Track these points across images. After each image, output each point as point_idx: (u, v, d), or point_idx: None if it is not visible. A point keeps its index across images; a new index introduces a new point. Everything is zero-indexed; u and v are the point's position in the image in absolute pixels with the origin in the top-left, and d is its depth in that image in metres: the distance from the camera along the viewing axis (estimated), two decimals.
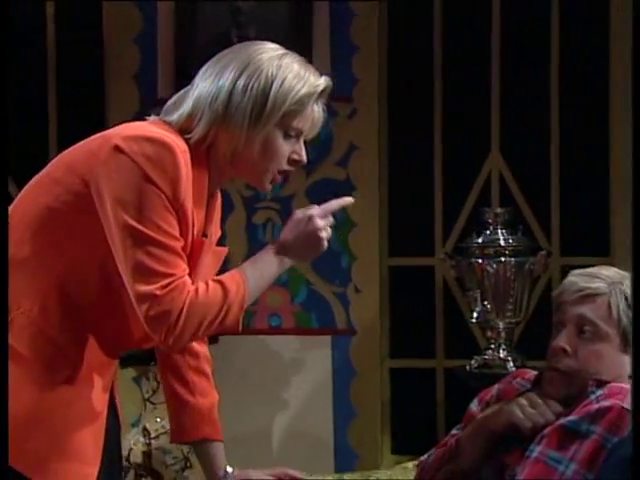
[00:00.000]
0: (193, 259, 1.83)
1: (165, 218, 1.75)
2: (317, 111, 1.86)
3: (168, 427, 2.19)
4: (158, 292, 1.74)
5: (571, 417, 1.91)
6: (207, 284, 1.79)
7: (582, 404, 1.93)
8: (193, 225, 1.82)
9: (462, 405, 3.61)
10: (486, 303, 3.14)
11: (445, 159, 3.70)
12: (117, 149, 1.76)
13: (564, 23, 3.66)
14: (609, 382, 1.94)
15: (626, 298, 1.96)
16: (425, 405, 3.72)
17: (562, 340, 1.99)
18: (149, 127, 1.81)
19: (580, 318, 1.98)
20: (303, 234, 1.85)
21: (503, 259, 3.12)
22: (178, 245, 1.77)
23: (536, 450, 1.92)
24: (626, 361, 1.97)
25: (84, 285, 1.81)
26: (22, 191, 1.88)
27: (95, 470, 1.82)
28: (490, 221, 3.18)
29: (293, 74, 1.82)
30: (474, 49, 3.72)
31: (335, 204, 1.90)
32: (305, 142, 1.86)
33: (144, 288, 1.75)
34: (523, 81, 3.69)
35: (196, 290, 1.78)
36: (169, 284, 1.75)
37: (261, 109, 1.80)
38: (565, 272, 3.45)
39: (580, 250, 3.58)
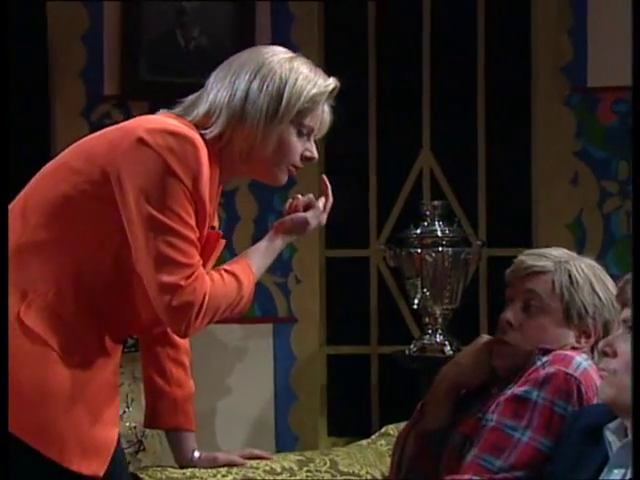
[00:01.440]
0: (207, 251, 1.89)
1: (186, 210, 1.81)
2: (326, 111, 1.97)
3: (121, 411, 2.28)
4: (183, 282, 1.79)
5: (522, 387, 2.03)
6: (221, 275, 1.87)
7: (529, 372, 2.05)
8: (208, 218, 1.88)
9: (395, 389, 3.84)
10: (425, 291, 3.32)
11: (379, 156, 3.90)
12: (141, 141, 1.81)
13: (489, 27, 3.86)
14: (553, 350, 2.06)
15: (569, 276, 2.09)
16: (360, 389, 3.91)
17: (508, 314, 2.12)
18: (171, 121, 1.87)
19: (527, 293, 2.11)
20: (302, 229, 2.02)
21: (441, 249, 3.31)
22: (195, 235, 1.83)
23: (492, 419, 2.04)
24: (568, 334, 2.10)
25: (97, 271, 1.86)
26: (36, 177, 1.92)
27: (113, 444, 1.90)
28: (428, 213, 3.37)
29: (304, 75, 1.92)
30: (407, 51, 3.91)
31: (330, 196, 2.04)
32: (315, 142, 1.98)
33: (167, 279, 1.79)
34: (452, 84, 3.89)
35: (212, 280, 1.85)
36: (191, 275, 1.80)
37: (277, 107, 1.89)
38: (491, 262, 3.72)
39: (504, 241, 3.81)
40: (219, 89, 1.92)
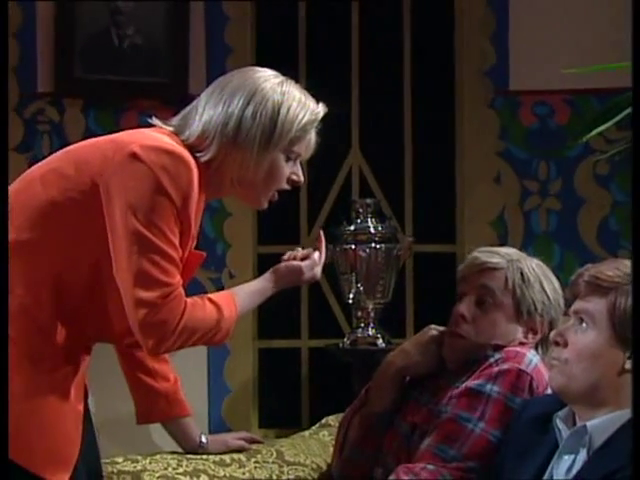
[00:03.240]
0: (187, 271, 1.90)
1: (172, 229, 1.81)
2: (314, 136, 2.01)
3: None
4: (159, 301, 1.79)
5: (476, 380, 2.11)
6: (204, 302, 1.88)
7: (483, 367, 2.13)
8: (192, 239, 1.89)
9: (326, 381, 3.94)
10: (358, 285, 3.42)
11: (310, 155, 3.98)
12: (135, 156, 1.81)
13: (415, 31, 3.96)
14: (505, 347, 2.16)
15: (521, 273, 2.19)
16: (290, 382, 4.00)
17: (462, 308, 2.20)
18: (166, 139, 1.88)
19: (480, 288, 2.19)
20: (298, 281, 2.06)
21: (374, 245, 3.41)
22: (178, 255, 1.84)
23: (447, 410, 2.11)
24: (517, 329, 2.19)
25: (74, 279, 1.85)
26: (22, 179, 1.93)
27: (77, 451, 1.89)
28: (360, 211, 3.47)
29: (296, 102, 1.95)
30: (336, 52, 3.99)
31: (324, 250, 2.10)
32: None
33: (145, 294, 1.78)
34: (379, 86, 3.97)
35: (193, 304, 1.85)
36: (169, 294, 1.80)
37: (270, 135, 1.91)
38: (417, 258, 3.84)
39: (430, 238, 3.93)
40: (212, 113, 1.92)
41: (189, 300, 1.86)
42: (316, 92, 4.09)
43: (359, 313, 3.47)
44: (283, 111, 1.93)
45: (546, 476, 1.86)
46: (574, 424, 1.90)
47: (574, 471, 1.83)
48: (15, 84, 3.72)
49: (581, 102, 3.78)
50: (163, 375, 2.24)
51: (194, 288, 3.77)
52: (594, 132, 2.57)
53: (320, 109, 2.01)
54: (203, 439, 2.33)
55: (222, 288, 3.82)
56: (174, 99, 3.42)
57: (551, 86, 3.76)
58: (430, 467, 2.06)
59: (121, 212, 1.81)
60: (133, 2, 3.75)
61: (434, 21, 3.98)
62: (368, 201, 3.48)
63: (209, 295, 1.93)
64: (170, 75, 3.73)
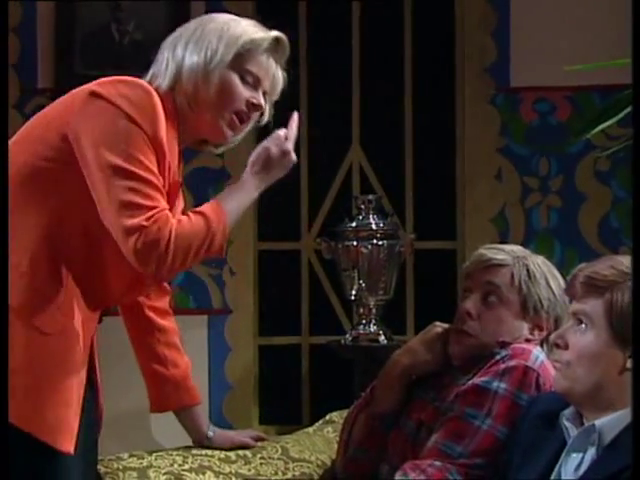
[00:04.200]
0: (170, 201, 1.88)
1: (147, 155, 1.79)
2: (273, 65, 1.98)
3: None
4: (145, 223, 1.77)
5: (483, 377, 2.10)
6: (189, 215, 1.85)
7: (489, 364, 2.12)
8: (170, 168, 1.87)
9: (326, 378, 3.94)
10: (360, 282, 3.41)
11: (311, 151, 3.98)
12: (94, 94, 1.82)
13: (416, 27, 3.96)
14: (511, 344, 2.15)
15: (527, 270, 2.18)
16: (291, 379, 4.00)
17: (468, 304, 2.18)
18: (121, 77, 1.88)
19: (486, 284, 2.18)
20: (278, 166, 1.96)
21: (376, 242, 3.41)
22: (159, 181, 1.82)
23: (453, 408, 2.11)
24: (523, 326, 2.19)
25: (68, 239, 1.84)
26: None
27: (78, 417, 1.88)
28: (362, 207, 3.47)
29: (246, 23, 1.99)
30: (336, 48, 3.98)
31: (295, 126, 2.03)
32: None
33: (130, 221, 1.77)
34: (380, 82, 3.98)
35: (179, 221, 1.82)
36: (154, 215, 1.78)
37: (215, 48, 1.91)
38: (417, 255, 3.84)
39: (430, 234, 3.93)
40: (164, 51, 1.96)
41: (175, 219, 1.84)
42: (317, 88, 4.12)
43: (361, 310, 3.47)
44: (231, 27, 1.96)
45: (554, 474, 1.86)
46: (581, 423, 1.89)
47: (583, 469, 1.83)
48: (15, 80, 3.72)
49: (582, 99, 3.78)
50: (173, 362, 2.24)
51: (195, 286, 3.84)
52: (597, 129, 2.56)
53: (274, 32, 2.00)
54: (210, 432, 2.33)
55: (223, 285, 3.85)
56: None
57: (552, 83, 3.77)
58: (437, 464, 2.06)
59: (92, 150, 1.79)
60: None
61: (435, 18, 3.99)
62: (370, 197, 3.48)
63: (195, 209, 1.90)
64: None
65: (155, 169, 1.82)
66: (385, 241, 3.41)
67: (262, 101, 1.96)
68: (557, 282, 2.22)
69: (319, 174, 3.97)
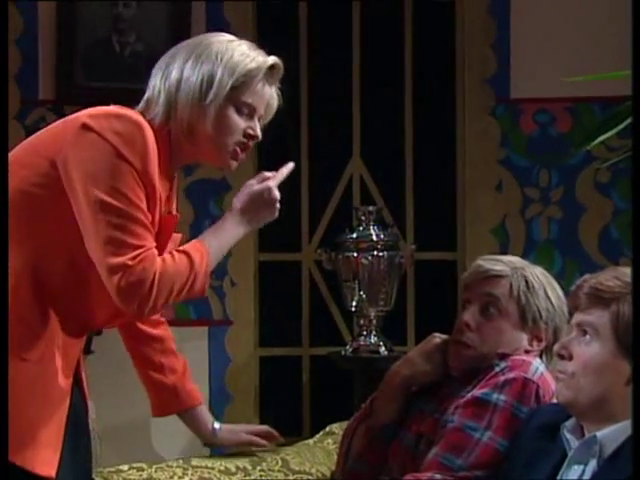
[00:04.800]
0: (164, 236, 1.87)
1: (135, 192, 1.77)
2: (268, 92, 1.93)
3: None
4: (130, 262, 1.76)
5: (482, 389, 2.09)
6: (172, 254, 1.84)
7: (488, 376, 2.11)
8: (160, 201, 1.85)
9: (327, 389, 3.94)
10: (361, 293, 3.42)
11: (311, 163, 3.99)
12: (85, 127, 1.78)
13: (416, 39, 3.98)
14: (511, 355, 2.14)
15: (526, 281, 2.17)
16: (292, 390, 4.00)
17: (467, 316, 2.17)
18: (114, 107, 1.86)
19: (485, 296, 2.16)
20: (262, 204, 1.93)
21: (376, 253, 3.41)
22: (147, 219, 1.80)
23: (453, 420, 2.09)
24: (523, 337, 2.17)
25: (53, 266, 1.83)
26: None
27: (59, 441, 1.87)
28: (363, 219, 3.47)
29: (240, 51, 1.89)
30: (337, 60, 3.99)
31: (285, 172, 2.00)
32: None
33: (115, 260, 1.76)
34: (381, 94, 3.99)
35: (163, 260, 1.81)
36: (139, 254, 1.78)
37: (210, 81, 1.86)
38: (418, 266, 3.85)
39: (431, 245, 3.94)
40: (157, 75, 1.92)
41: (159, 257, 1.83)
42: (317, 100, 4.13)
43: (361, 321, 3.47)
44: (225, 58, 1.89)
45: None
46: (582, 434, 1.89)
47: None
48: (16, 91, 3.73)
49: (582, 110, 3.79)
50: (171, 368, 2.25)
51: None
52: (597, 140, 2.57)
53: (270, 59, 1.94)
54: (216, 426, 2.33)
55: (224, 296, 3.85)
56: None
57: (552, 94, 3.77)
58: (437, 477, 2.04)
59: (81, 184, 1.78)
60: (134, 10, 3.75)
61: (435, 29, 3.99)
62: (370, 208, 3.49)
63: (176, 248, 1.89)
64: None
65: (144, 206, 1.81)
66: (386, 252, 3.41)
67: (258, 131, 1.95)
68: (556, 293, 2.22)
69: (320, 185, 3.97)
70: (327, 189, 3.98)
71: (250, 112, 1.92)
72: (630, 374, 1.82)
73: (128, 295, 1.80)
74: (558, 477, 1.85)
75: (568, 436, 1.89)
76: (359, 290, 3.40)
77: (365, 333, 3.46)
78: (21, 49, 3.74)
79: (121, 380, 3.63)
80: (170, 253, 1.86)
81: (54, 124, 1.90)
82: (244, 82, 1.90)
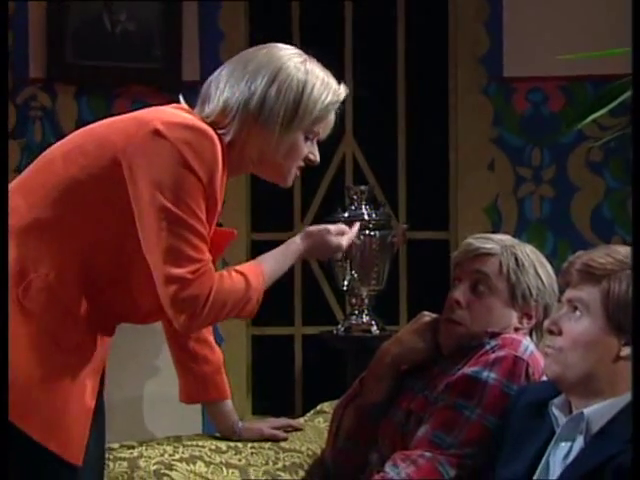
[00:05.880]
0: (217, 248, 1.91)
1: (199, 205, 1.80)
2: (332, 118, 2.01)
3: None
4: (190, 276, 1.78)
5: (472, 367, 2.09)
6: (230, 274, 1.87)
7: (479, 354, 2.11)
8: (218, 215, 1.90)
9: (319, 368, 3.94)
10: (353, 272, 3.41)
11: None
12: (158, 133, 1.80)
13: (409, 18, 3.97)
14: (501, 334, 2.15)
15: (516, 259, 2.17)
16: (283, 369, 4.01)
17: (457, 294, 2.18)
18: (187, 115, 1.87)
19: (475, 273, 2.17)
20: (326, 251, 2.04)
21: (368, 232, 3.40)
22: (206, 231, 1.83)
23: (443, 398, 2.10)
24: (512, 315, 2.18)
25: (99, 259, 1.84)
26: (41, 159, 1.90)
27: (87, 430, 1.89)
28: (355, 197, 3.46)
29: (320, 81, 1.94)
30: (329, 40, 3.99)
31: (355, 231, 2.12)
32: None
33: (175, 271, 1.78)
34: (373, 72, 3.99)
35: (221, 277, 1.84)
36: (199, 269, 1.80)
37: (293, 114, 1.90)
38: (410, 245, 3.85)
39: (423, 225, 3.93)
40: (235, 90, 1.91)
41: (217, 274, 1.86)
42: None
43: (353, 300, 3.46)
44: (307, 91, 1.92)
45: (543, 463, 1.86)
46: (570, 411, 1.89)
47: (571, 457, 1.83)
48: (8, 71, 3.70)
49: (575, 89, 3.78)
50: (204, 358, 2.27)
51: None
52: (588, 119, 2.57)
53: (342, 90, 2.00)
54: (239, 425, 2.35)
55: None
56: (167, 85, 3.42)
57: (545, 72, 3.76)
58: (427, 454, 2.05)
59: (147, 189, 1.80)
60: None
61: (428, 7, 3.97)
62: (362, 188, 3.47)
63: (235, 267, 1.92)
64: (163, 61, 3.72)
65: (204, 218, 1.83)
66: (377, 231, 3.40)
67: (318, 157, 2.02)
68: (546, 270, 2.22)
69: (312, 166, 3.96)
70: (320, 168, 3.94)
71: (314, 137, 1.99)
72: (618, 351, 1.83)
73: (181, 307, 1.82)
74: (545, 454, 1.86)
75: (556, 413, 1.90)
76: (351, 269, 3.39)
77: (357, 312, 3.46)
78: (12, 27, 3.72)
79: (111, 359, 3.64)
80: (228, 272, 1.88)
81: (123, 119, 1.90)
82: (321, 115, 1.95)
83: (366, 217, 3.43)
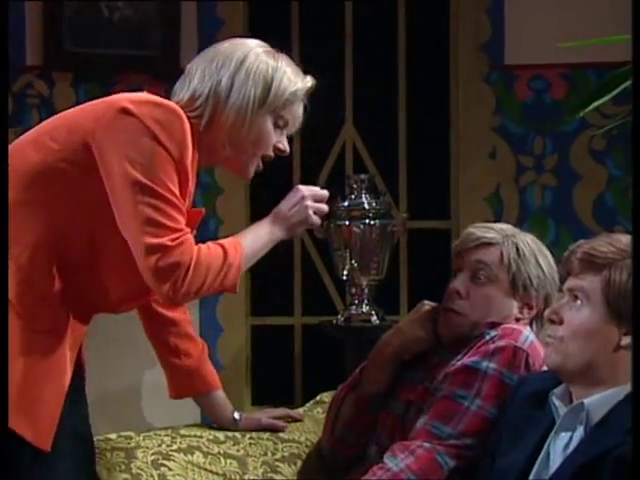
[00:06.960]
0: (189, 227, 1.88)
1: (172, 178, 1.81)
2: (301, 108, 2.02)
3: None
4: (170, 243, 1.79)
5: (472, 358, 2.09)
6: (207, 245, 1.88)
7: (479, 344, 2.12)
8: (189, 193, 1.89)
9: (319, 359, 3.92)
10: (352, 262, 3.39)
11: (303, 130, 3.93)
12: (125, 111, 1.82)
13: (410, 4, 3.93)
14: (501, 324, 2.14)
15: (517, 248, 2.17)
16: (283, 359, 3.98)
17: (457, 283, 2.17)
18: (154, 96, 1.88)
19: (475, 263, 2.17)
20: (295, 212, 2.02)
21: (368, 221, 3.38)
22: (182, 205, 1.84)
23: (442, 388, 2.10)
24: (513, 305, 2.18)
25: (72, 242, 1.85)
26: (16, 144, 1.91)
27: (57, 416, 1.88)
28: (355, 187, 3.44)
29: (290, 68, 1.98)
30: (329, 27, 3.96)
31: (323, 192, 2.10)
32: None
33: (155, 240, 1.78)
34: (373, 61, 3.95)
35: (199, 248, 1.85)
36: (178, 237, 1.81)
37: (265, 95, 1.92)
38: (411, 234, 3.82)
39: (424, 214, 3.91)
40: (204, 75, 1.93)
41: (195, 246, 1.86)
42: (309, 65, 4.07)
43: (353, 290, 3.44)
44: (278, 74, 1.95)
45: (543, 453, 1.85)
46: (570, 401, 1.88)
47: (571, 448, 1.82)
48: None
49: (577, 76, 3.75)
50: (186, 352, 2.27)
51: None
52: (591, 107, 2.53)
53: (309, 79, 2.03)
54: (236, 416, 2.33)
55: None
56: (165, 73, 3.38)
57: (547, 60, 3.73)
58: (426, 445, 2.05)
59: (119, 166, 1.80)
60: None
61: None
62: (362, 177, 3.45)
63: (215, 241, 1.92)
64: (161, 48, 3.69)
65: (178, 192, 1.83)
66: (378, 221, 3.38)
67: (287, 147, 2.02)
68: (546, 260, 2.20)
69: (312, 153, 3.94)
70: (320, 157, 3.95)
71: (283, 126, 1.99)
72: (619, 341, 1.81)
73: (163, 275, 1.81)
74: (545, 444, 1.85)
75: (557, 403, 1.89)
76: (351, 259, 3.37)
77: (357, 302, 3.43)
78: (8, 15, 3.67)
79: (109, 349, 3.62)
80: (206, 244, 1.88)
81: (90, 104, 1.92)
82: (289, 100, 1.96)
83: (366, 206, 3.41)
